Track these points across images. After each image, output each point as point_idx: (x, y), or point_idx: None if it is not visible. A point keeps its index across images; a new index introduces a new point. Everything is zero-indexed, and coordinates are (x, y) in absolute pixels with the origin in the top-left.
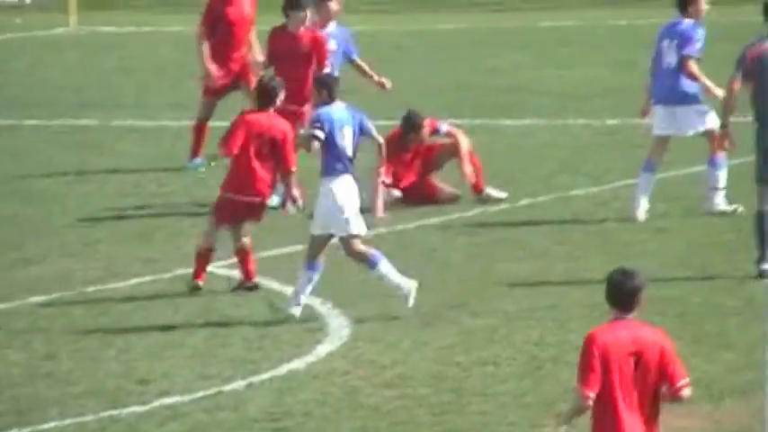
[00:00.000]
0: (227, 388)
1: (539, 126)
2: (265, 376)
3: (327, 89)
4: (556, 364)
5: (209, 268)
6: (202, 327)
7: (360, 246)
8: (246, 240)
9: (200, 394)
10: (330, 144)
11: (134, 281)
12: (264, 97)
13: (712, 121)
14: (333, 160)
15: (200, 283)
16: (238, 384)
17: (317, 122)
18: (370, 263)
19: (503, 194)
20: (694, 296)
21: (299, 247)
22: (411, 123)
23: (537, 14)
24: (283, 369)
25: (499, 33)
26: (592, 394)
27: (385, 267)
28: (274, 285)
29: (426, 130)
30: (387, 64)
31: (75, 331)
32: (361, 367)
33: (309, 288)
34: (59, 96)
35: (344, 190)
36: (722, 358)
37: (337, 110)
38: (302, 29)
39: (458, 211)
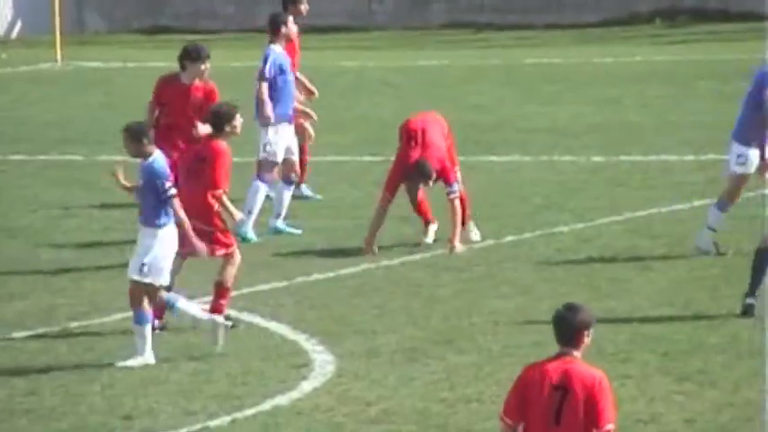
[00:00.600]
0: (211, 424)
1: (524, 162)
2: (249, 412)
3: (149, 138)
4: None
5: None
6: (187, 362)
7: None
8: (222, 279)
9: (185, 430)
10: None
11: (119, 316)
12: (215, 123)
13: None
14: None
15: (157, 322)
16: (223, 420)
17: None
18: (140, 316)
19: (478, 237)
20: (678, 334)
21: (282, 283)
22: (422, 173)
23: (522, 51)
24: (267, 405)
25: (484, 70)
26: (509, 420)
27: (149, 331)
28: (257, 320)
29: (435, 177)
30: (372, 99)
31: (58, 367)
32: (346, 403)
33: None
34: (45, 131)
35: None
36: (707, 396)
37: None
38: (197, 81)
39: (443, 247)
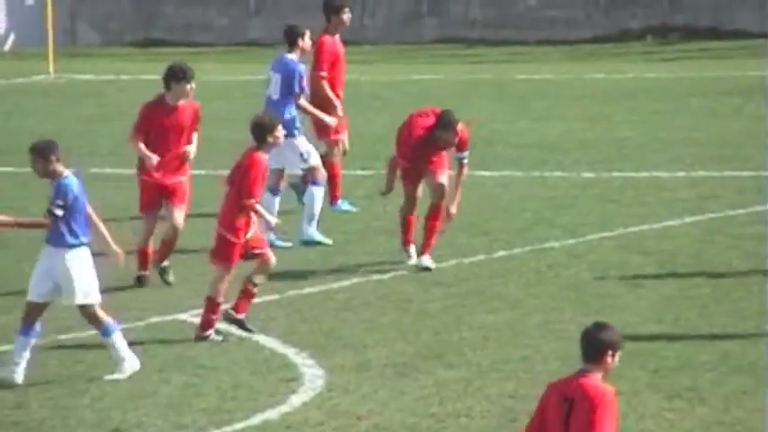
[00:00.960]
0: None
1: (515, 178)
2: (239, 426)
3: (58, 156)
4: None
5: (184, 317)
6: (177, 376)
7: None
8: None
9: None
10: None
11: None
12: (257, 133)
13: None
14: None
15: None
16: None
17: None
18: (104, 329)
19: (431, 266)
20: (668, 351)
21: (274, 297)
22: (445, 121)
23: (513, 67)
24: (257, 419)
25: (476, 85)
26: None
27: (118, 338)
28: (248, 333)
29: (457, 139)
30: (364, 113)
31: (47, 380)
32: (336, 418)
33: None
34: None
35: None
36: (697, 414)
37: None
38: (182, 101)
39: (433, 261)
